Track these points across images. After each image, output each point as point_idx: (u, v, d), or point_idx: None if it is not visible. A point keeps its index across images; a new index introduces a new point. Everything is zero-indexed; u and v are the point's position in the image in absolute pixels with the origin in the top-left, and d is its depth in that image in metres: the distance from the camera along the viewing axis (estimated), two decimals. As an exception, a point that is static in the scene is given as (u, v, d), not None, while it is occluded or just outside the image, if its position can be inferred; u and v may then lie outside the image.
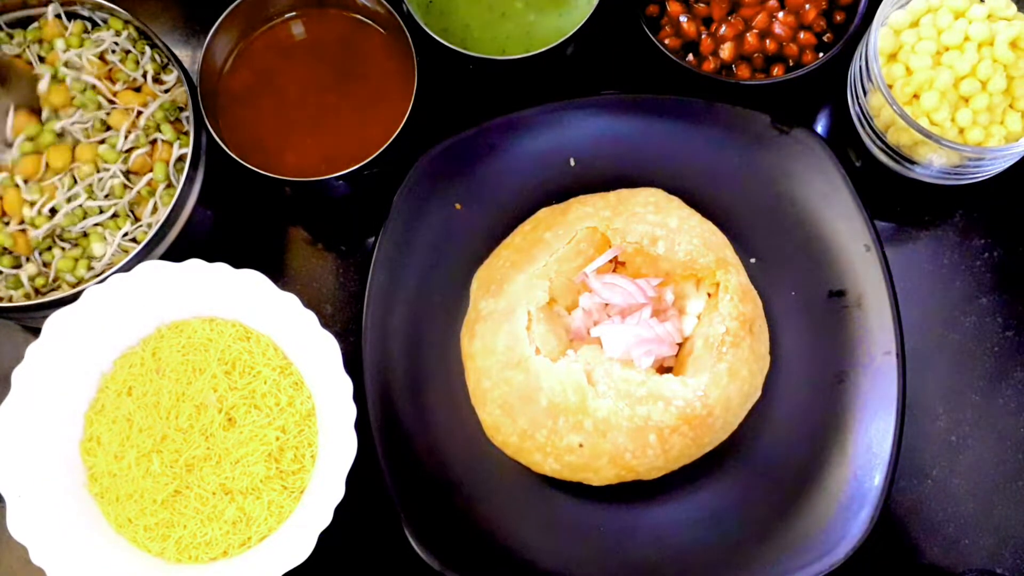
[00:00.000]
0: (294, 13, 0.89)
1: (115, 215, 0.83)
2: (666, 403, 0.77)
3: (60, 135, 0.84)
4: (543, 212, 0.86)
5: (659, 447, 0.77)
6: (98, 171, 0.84)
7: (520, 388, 0.78)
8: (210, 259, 0.79)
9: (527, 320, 0.79)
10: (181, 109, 0.86)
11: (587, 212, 0.83)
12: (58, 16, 0.87)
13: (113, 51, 0.86)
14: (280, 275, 0.91)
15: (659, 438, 0.77)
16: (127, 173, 0.84)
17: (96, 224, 0.83)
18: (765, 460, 0.82)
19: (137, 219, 0.84)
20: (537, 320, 0.79)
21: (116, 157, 0.84)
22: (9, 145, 0.84)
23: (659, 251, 0.81)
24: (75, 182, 0.84)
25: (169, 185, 0.84)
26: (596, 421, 0.77)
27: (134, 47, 0.87)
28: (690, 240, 0.81)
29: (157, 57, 0.87)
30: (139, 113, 0.85)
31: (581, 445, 0.77)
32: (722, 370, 0.78)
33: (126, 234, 0.83)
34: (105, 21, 0.87)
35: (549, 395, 0.77)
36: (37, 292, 0.83)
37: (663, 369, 0.82)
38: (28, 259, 0.83)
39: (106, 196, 0.83)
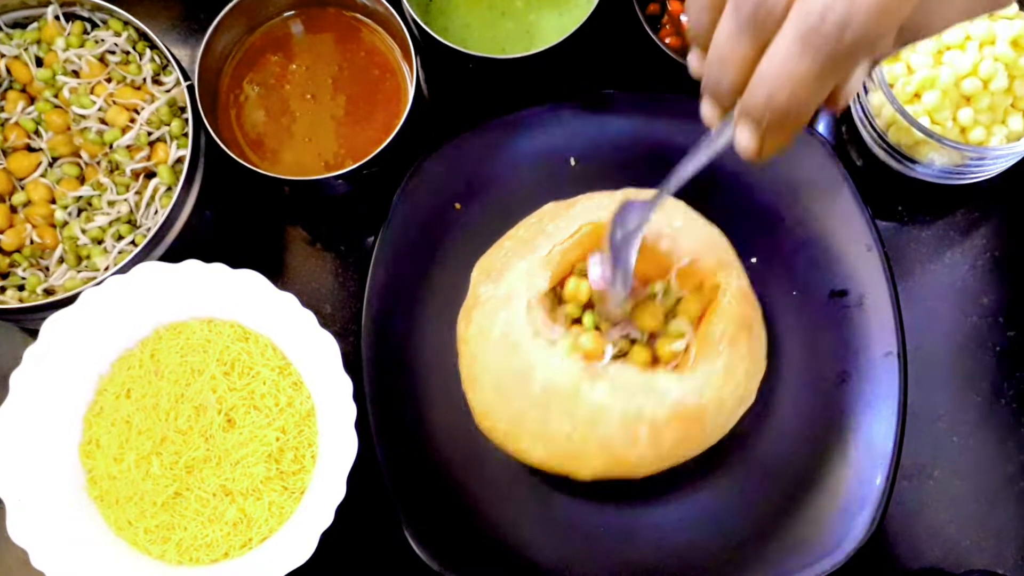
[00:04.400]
0: (293, 12, 0.89)
1: (116, 218, 0.83)
2: (659, 397, 0.76)
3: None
4: (550, 206, 0.85)
5: (648, 441, 0.76)
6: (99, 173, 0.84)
7: (513, 374, 0.76)
8: (208, 260, 0.79)
9: (526, 307, 0.78)
10: (181, 109, 0.86)
11: (592, 208, 0.83)
12: (57, 17, 0.87)
13: (113, 52, 0.86)
14: (279, 275, 0.91)
15: (650, 432, 0.75)
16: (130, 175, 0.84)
17: (96, 227, 0.83)
18: (766, 461, 0.82)
19: (135, 222, 0.84)
20: (536, 307, 0.78)
21: (117, 159, 0.83)
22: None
23: (662, 249, 0.80)
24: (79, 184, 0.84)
25: (168, 187, 0.84)
26: (588, 411, 0.75)
27: (134, 48, 0.86)
28: (692, 240, 0.81)
29: (157, 58, 0.87)
30: (139, 114, 0.85)
31: (571, 434, 0.76)
32: (718, 368, 0.77)
33: (123, 237, 0.83)
34: (104, 22, 0.87)
35: (543, 383, 0.75)
36: (34, 294, 0.83)
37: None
38: (27, 260, 0.83)
39: (109, 203, 0.83)
